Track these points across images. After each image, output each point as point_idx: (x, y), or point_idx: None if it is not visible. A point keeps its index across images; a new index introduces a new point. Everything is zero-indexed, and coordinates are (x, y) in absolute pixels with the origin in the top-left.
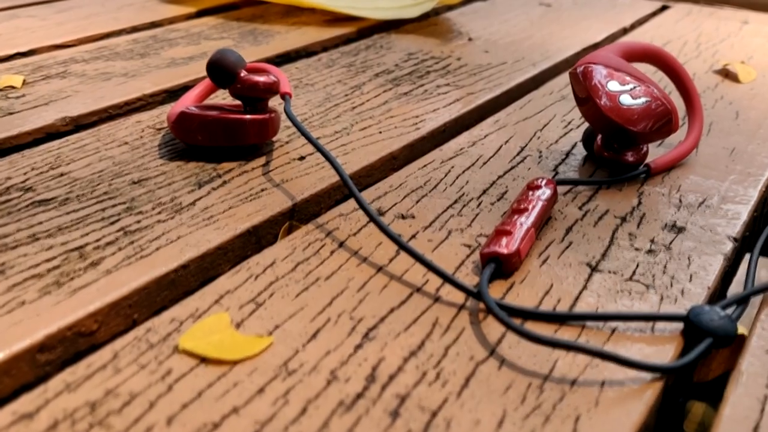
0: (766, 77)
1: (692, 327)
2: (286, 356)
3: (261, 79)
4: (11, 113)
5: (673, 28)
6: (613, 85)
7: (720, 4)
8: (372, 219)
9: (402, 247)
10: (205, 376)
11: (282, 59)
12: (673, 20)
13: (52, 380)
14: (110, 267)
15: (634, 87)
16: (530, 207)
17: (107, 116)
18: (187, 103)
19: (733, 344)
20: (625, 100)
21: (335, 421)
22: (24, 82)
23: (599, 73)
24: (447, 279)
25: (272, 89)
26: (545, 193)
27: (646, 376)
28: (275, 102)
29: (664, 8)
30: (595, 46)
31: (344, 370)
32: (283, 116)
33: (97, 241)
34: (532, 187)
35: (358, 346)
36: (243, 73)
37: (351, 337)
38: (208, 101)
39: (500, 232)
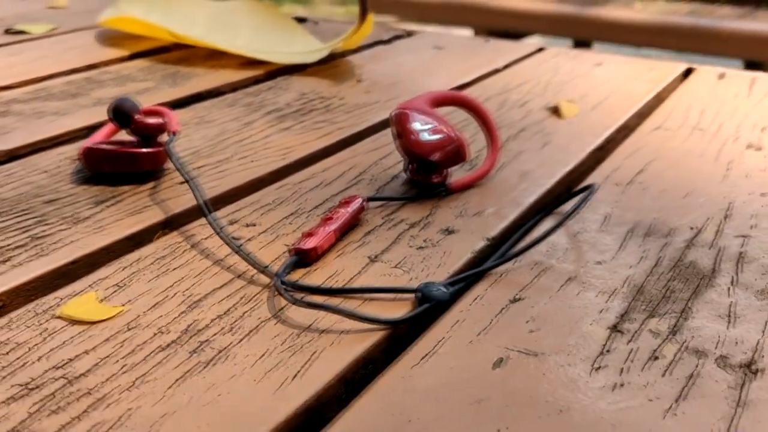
0: (586, 114)
1: (421, 296)
2: (129, 319)
3: (151, 121)
4: None
5: (536, 69)
6: (417, 125)
7: (584, 48)
8: (212, 227)
9: (230, 246)
10: (71, 331)
11: (194, 98)
12: (540, 62)
13: None
14: (16, 263)
15: (433, 126)
16: (335, 217)
17: (37, 149)
18: (97, 139)
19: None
20: (425, 136)
21: (153, 355)
22: None
23: (409, 116)
24: (257, 267)
25: (161, 128)
26: (353, 207)
27: (377, 327)
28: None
29: (540, 50)
30: (462, 87)
31: (168, 327)
32: (177, 148)
33: (10, 244)
34: (344, 203)
35: (183, 313)
36: (137, 116)
37: (179, 306)
38: (115, 138)
39: (306, 234)
